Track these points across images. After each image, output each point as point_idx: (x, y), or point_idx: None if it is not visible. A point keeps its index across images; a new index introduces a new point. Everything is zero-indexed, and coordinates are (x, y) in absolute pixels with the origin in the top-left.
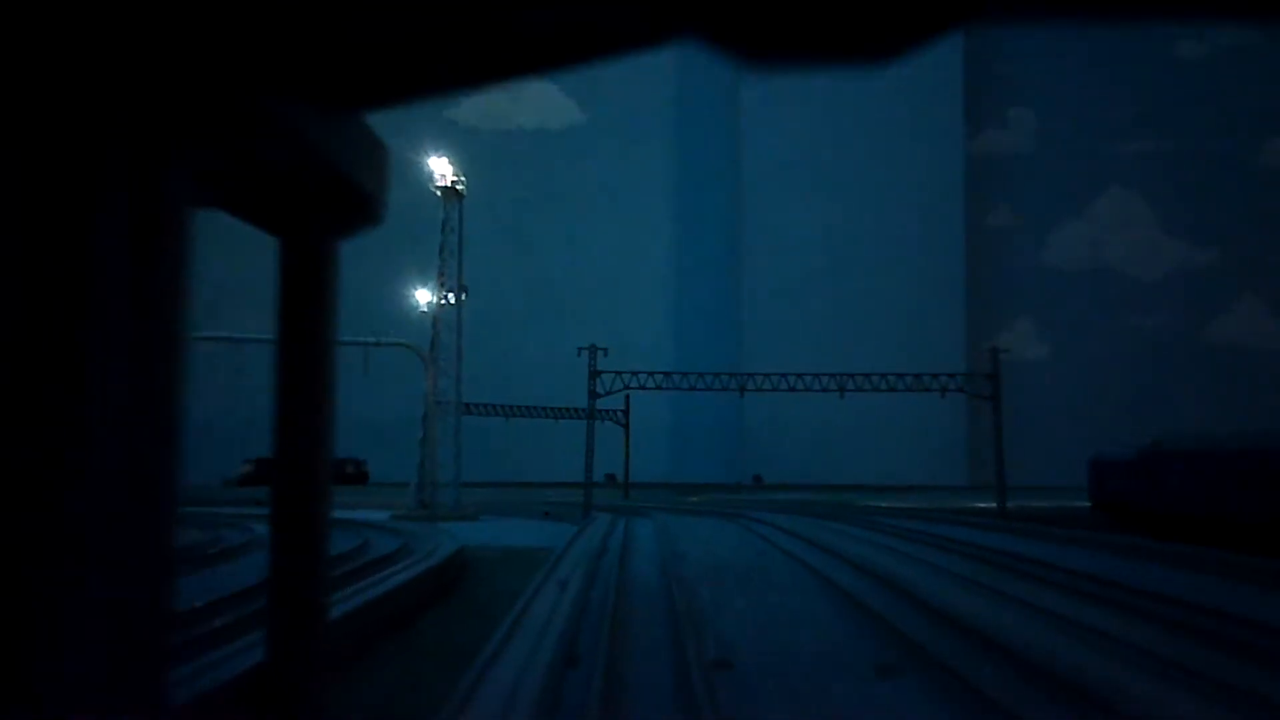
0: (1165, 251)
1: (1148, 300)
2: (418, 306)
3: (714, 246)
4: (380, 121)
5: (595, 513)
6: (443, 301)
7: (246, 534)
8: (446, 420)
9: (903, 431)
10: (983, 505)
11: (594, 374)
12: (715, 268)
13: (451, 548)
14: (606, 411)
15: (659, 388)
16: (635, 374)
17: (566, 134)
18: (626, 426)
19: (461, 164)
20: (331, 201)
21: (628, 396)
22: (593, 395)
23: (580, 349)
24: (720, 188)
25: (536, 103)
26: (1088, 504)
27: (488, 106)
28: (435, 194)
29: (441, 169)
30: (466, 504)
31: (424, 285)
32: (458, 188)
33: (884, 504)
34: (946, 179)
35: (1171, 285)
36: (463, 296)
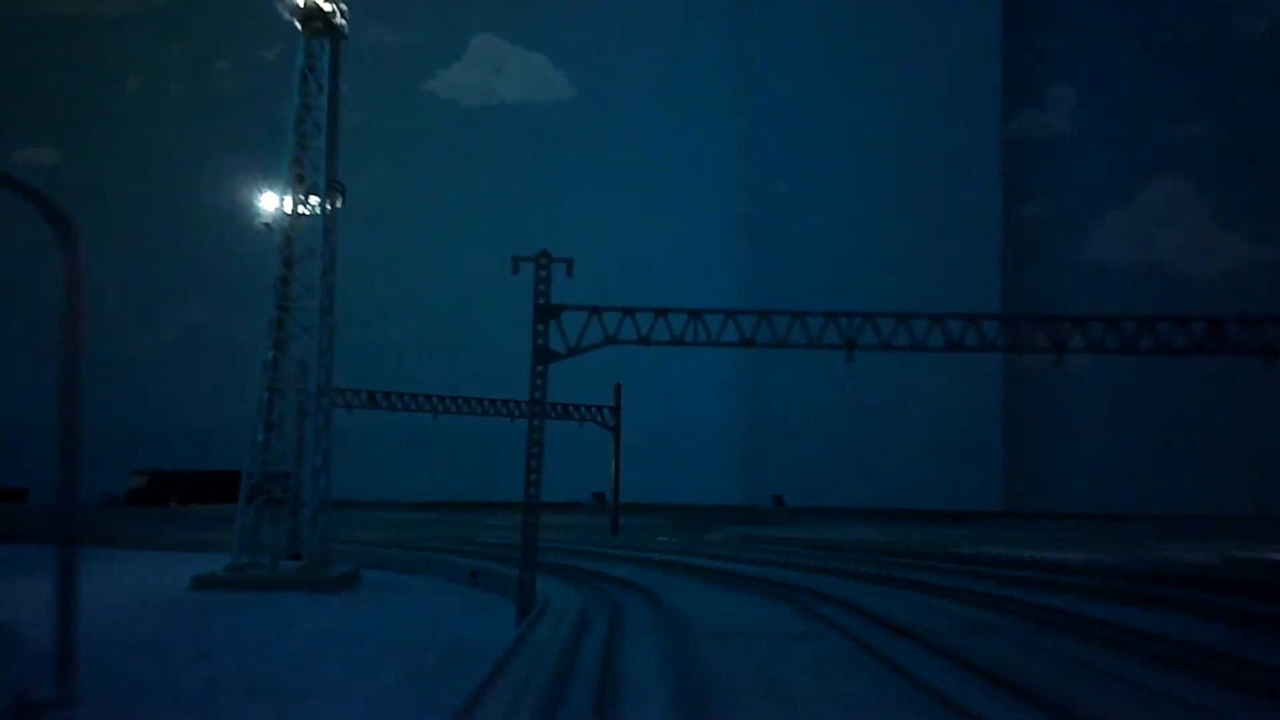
0: (1222, 247)
1: (1202, 301)
2: (259, 217)
3: (719, 236)
4: None
5: (544, 595)
6: (301, 209)
7: None
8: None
9: (935, 445)
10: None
11: (546, 311)
12: (721, 259)
13: None
14: (586, 409)
15: (676, 341)
16: (629, 312)
17: (555, 108)
18: (617, 429)
19: (439, 140)
20: None
21: (618, 388)
22: (542, 354)
23: (517, 259)
24: (726, 171)
25: (523, 75)
26: None
27: (469, 78)
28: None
29: None
30: (342, 550)
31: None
32: (332, 18)
33: (1027, 555)
34: (981, 164)
35: (1229, 285)
36: (338, 203)
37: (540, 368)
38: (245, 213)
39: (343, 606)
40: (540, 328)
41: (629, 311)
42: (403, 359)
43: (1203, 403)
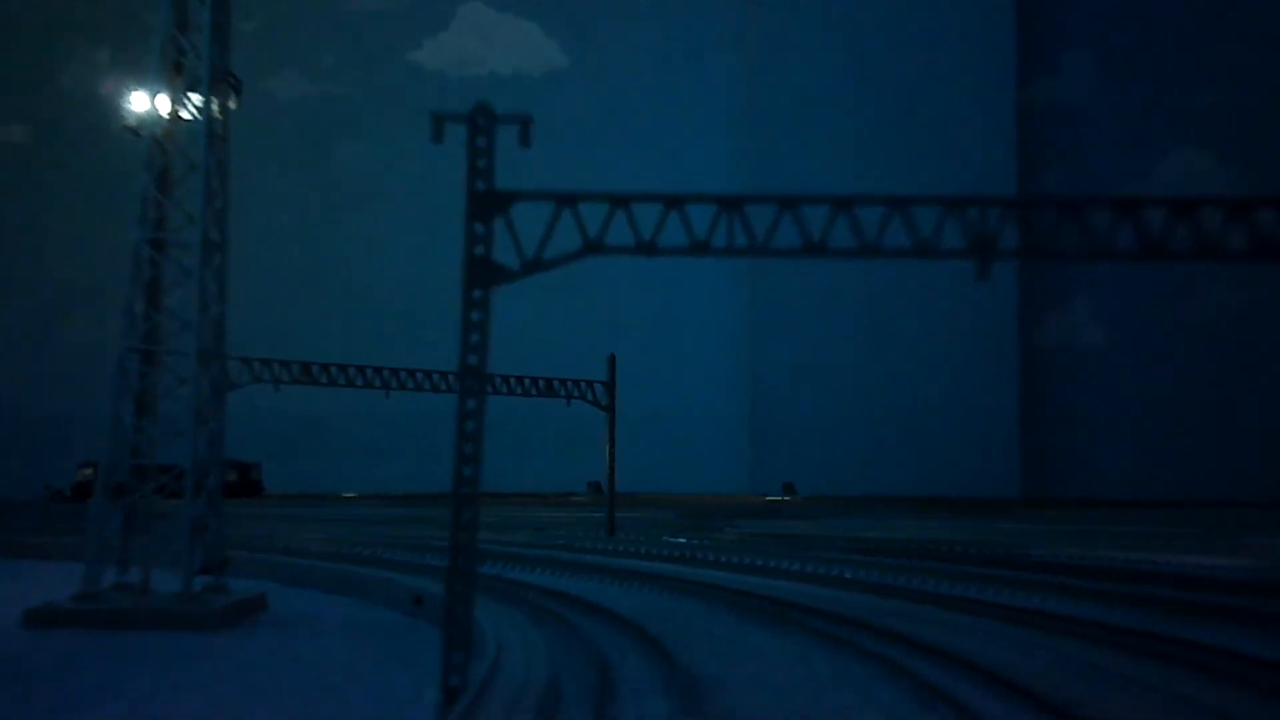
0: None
1: (1227, 280)
2: (124, 119)
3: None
4: None
5: (495, 645)
6: (182, 112)
7: None
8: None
9: (949, 429)
10: None
11: (487, 199)
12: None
13: None
14: (575, 384)
15: (698, 248)
16: (621, 203)
17: (549, 79)
18: (611, 408)
19: (425, 113)
20: None
21: (612, 360)
22: (482, 270)
23: (439, 115)
24: (728, 145)
25: (513, 45)
26: None
27: (456, 49)
28: None
29: None
30: (262, 562)
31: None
32: None
33: (1174, 564)
34: (994, 134)
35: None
36: (229, 103)
37: (478, 293)
38: (116, 117)
39: (204, 660)
40: (479, 227)
41: (621, 201)
42: (390, 341)
43: (1223, 387)
